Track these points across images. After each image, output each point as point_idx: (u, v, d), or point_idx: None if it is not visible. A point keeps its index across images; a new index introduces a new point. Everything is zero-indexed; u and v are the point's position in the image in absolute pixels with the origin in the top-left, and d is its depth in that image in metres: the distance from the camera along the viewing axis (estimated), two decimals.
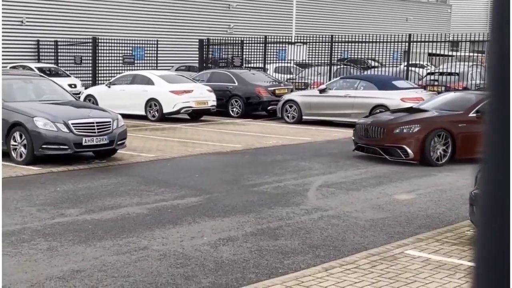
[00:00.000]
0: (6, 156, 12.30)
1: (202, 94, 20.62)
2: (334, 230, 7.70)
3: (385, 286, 5.68)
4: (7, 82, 13.68)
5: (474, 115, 12.91)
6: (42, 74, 18.42)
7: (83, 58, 32.46)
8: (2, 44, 32.54)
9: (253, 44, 30.22)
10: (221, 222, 8.05)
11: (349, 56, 29.95)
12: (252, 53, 30.36)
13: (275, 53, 30.43)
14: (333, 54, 26.90)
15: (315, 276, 5.89)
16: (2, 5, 32.05)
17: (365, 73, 24.91)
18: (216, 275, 6.02)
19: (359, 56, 27.84)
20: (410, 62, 24.05)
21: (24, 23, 33.12)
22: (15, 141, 12.20)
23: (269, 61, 29.72)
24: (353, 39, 26.72)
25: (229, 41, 31.83)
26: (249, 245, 6.95)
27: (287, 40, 30.81)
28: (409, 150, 12.46)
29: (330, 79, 23.36)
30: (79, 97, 21.10)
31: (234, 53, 31.32)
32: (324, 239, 7.34)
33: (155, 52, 33.33)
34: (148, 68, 31.50)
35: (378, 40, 25.48)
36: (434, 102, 14.72)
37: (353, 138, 14.08)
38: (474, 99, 13.75)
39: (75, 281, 5.77)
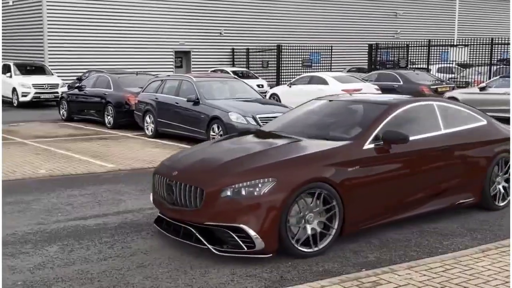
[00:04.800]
0: None
1: (370, 92, 20.36)
2: (491, 216, 7.27)
3: None
4: (208, 83, 14.35)
5: (372, 145, 6.19)
6: (235, 77, 19.11)
7: (269, 62, 33.26)
8: (205, 52, 34.18)
9: (417, 47, 29.31)
10: None
11: (508, 57, 28.11)
12: (416, 55, 29.46)
13: (438, 55, 29.28)
14: (493, 55, 25.39)
15: (472, 257, 5.62)
16: (205, 19, 33.62)
17: None
18: (381, 251, 5.93)
19: None
20: None
21: (222, 34, 34.53)
22: (213, 132, 12.78)
23: (432, 62, 28.68)
24: None
25: (395, 45, 31.08)
26: (411, 226, 6.76)
27: (449, 43, 29.47)
28: (251, 232, 5.36)
29: (490, 78, 22.13)
30: (265, 96, 21.65)
31: (400, 55, 30.55)
32: (481, 223, 6.97)
33: (330, 56, 33.37)
34: (323, 70, 31.62)
35: None
36: (291, 119, 7.49)
37: (153, 197, 6.56)
38: (370, 114, 6.76)
39: None
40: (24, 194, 8.32)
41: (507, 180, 7.65)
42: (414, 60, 29.73)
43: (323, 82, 21.00)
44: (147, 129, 15.01)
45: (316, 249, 5.69)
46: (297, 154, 5.99)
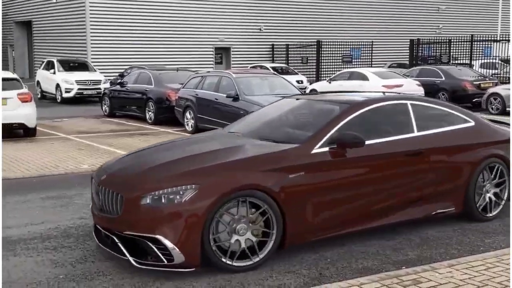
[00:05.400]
0: None
1: (412, 88, 20.11)
2: None
3: None
4: (247, 79, 14.36)
5: (326, 149, 5.62)
6: (275, 73, 19.08)
7: (308, 58, 33.13)
8: (245, 48, 34.24)
9: (459, 43, 28.80)
10: None
11: None
12: (459, 50, 28.95)
13: (480, 50, 28.71)
14: None
15: None
16: (245, 16, 33.67)
17: None
18: (422, 249, 5.85)
19: None
20: None
21: (262, 30, 34.54)
22: None
23: (474, 58, 28.15)
24: None
25: (437, 40, 30.59)
26: (452, 224, 6.65)
27: (492, 38, 28.85)
28: (168, 244, 4.91)
29: None
30: (304, 91, 21.57)
31: (442, 51, 30.07)
32: None
33: (370, 51, 33.05)
34: (363, 66, 31.34)
35: None
36: (256, 120, 6.93)
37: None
38: (329, 114, 6.10)
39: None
40: (67, 189, 8.48)
41: (500, 188, 6.82)
42: (456, 56, 29.23)
43: (363, 77, 20.82)
44: (187, 125, 15.12)
45: (249, 263, 5.17)
46: (230, 158, 5.45)
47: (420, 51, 30.51)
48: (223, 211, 5.04)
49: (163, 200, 4.98)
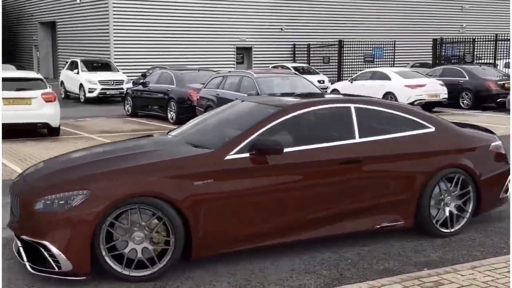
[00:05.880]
0: None
1: (434, 88, 19.98)
2: None
3: None
4: (269, 79, 14.37)
5: (246, 155, 5.26)
6: (296, 72, 19.06)
7: (330, 58, 33.02)
8: (266, 48, 34.26)
9: (484, 42, 28.51)
10: None
11: None
12: (483, 50, 28.65)
13: (505, 50, 28.38)
14: None
15: None
16: (266, 15, 33.68)
17: None
18: (444, 251, 5.80)
19: None
20: None
21: (283, 30, 34.53)
22: None
23: (499, 57, 27.82)
24: None
25: (461, 40, 30.31)
26: (476, 226, 6.58)
27: None
28: (54, 250, 4.75)
29: None
30: (326, 91, 21.53)
31: (465, 50, 29.79)
32: None
33: (392, 51, 32.85)
34: (385, 65, 31.17)
35: None
36: (201, 123, 6.49)
37: None
38: (256, 118, 5.68)
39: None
40: None
41: (464, 201, 6.22)
42: (480, 55, 28.95)
43: (386, 77, 20.68)
44: None
45: (147, 273, 4.94)
46: (131, 163, 5.16)
47: (444, 50, 30.26)
48: (116, 218, 4.85)
49: (54, 206, 4.82)
